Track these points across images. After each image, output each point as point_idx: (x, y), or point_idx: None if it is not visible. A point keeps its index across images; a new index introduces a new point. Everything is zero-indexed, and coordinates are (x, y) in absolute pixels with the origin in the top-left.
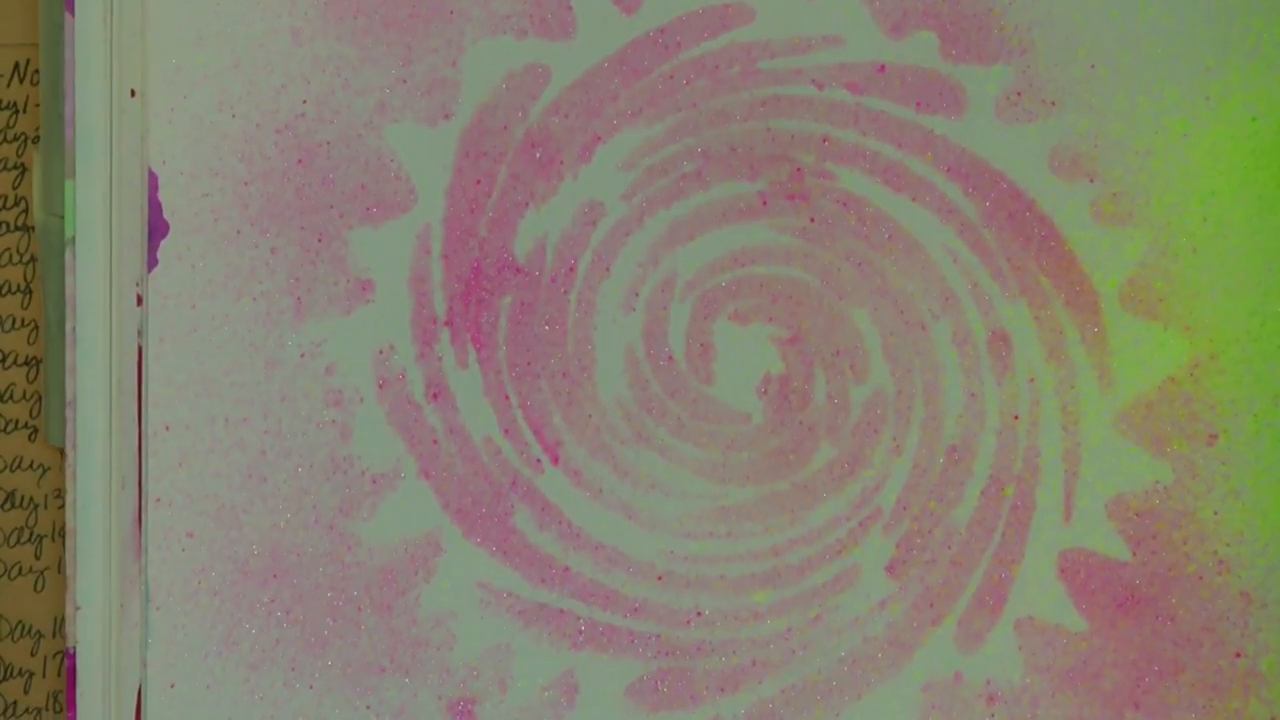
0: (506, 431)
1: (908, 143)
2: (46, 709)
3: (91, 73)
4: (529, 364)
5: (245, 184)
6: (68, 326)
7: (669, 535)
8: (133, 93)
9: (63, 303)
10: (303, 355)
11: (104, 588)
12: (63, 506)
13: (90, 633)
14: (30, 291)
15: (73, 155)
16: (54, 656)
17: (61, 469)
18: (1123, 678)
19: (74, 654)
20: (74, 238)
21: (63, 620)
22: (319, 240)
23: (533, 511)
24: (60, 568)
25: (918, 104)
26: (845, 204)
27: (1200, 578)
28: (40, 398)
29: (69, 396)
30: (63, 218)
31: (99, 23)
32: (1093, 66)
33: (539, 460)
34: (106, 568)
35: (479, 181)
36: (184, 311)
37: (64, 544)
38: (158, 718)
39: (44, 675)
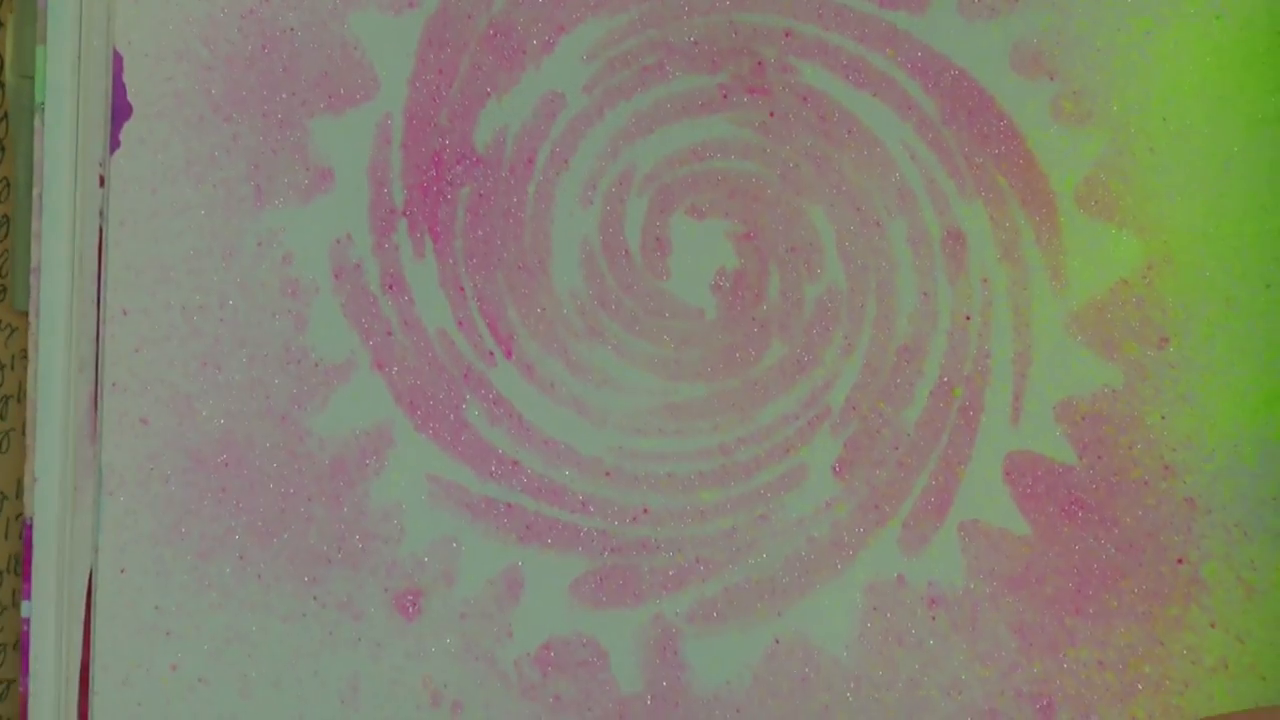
0: (460, 324)
1: (870, 38)
2: (8, 571)
3: None
4: (485, 256)
5: (209, 68)
6: (35, 192)
7: (619, 432)
8: None
9: (31, 163)
10: (260, 244)
11: (61, 462)
12: (28, 374)
13: (48, 507)
14: (4, 148)
15: (44, 21)
16: (16, 519)
17: (27, 332)
18: (1064, 583)
19: (31, 525)
20: (43, 104)
21: (24, 486)
22: (280, 128)
23: (484, 405)
24: (24, 431)
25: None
26: (805, 98)
27: (1145, 483)
28: (9, 256)
29: (34, 263)
30: (33, 79)
31: None
32: None
33: (492, 354)
34: (65, 443)
35: (441, 71)
36: (144, 196)
37: (25, 408)
38: (108, 603)
39: (5, 538)
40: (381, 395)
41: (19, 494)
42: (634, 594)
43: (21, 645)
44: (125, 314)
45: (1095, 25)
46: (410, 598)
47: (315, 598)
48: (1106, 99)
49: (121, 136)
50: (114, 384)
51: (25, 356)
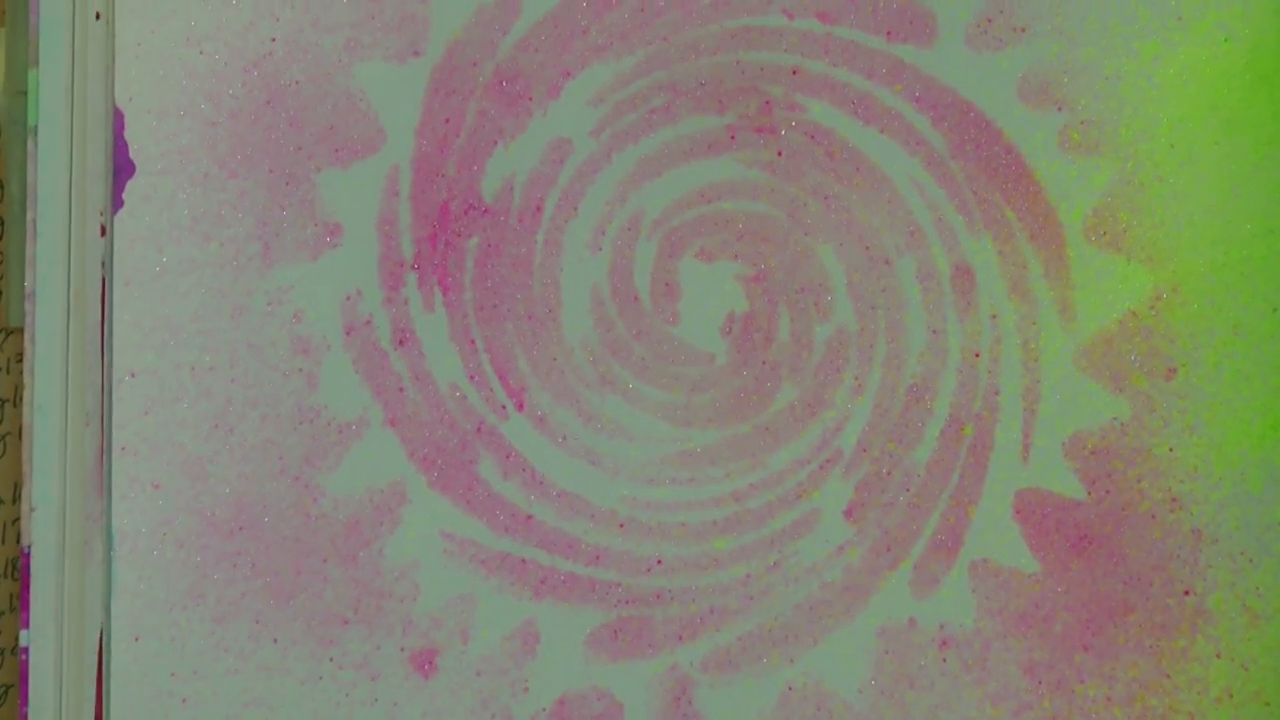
0: (472, 377)
1: (877, 73)
2: (3, 576)
3: None
4: (495, 306)
5: (213, 124)
6: (28, 217)
7: (631, 482)
8: (98, 15)
9: (24, 177)
10: (270, 302)
11: (60, 494)
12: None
13: (46, 535)
14: None
15: (36, 43)
16: (13, 524)
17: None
18: (1073, 620)
19: (29, 555)
20: (36, 127)
21: (19, 486)
22: (287, 183)
23: (497, 459)
24: (19, 433)
25: (888, 33)
26: (813, 136)
27: (1153, 516)
28: (2, 260)
29: (29, 288)
30: (25, 94)
31: None
32: None
33: (504, 406)
34: (63, 468)
35: (448, 120)
36: (150, 255)
37: (21, 412)
38: (122, 671)
39: (2, 541)
40: (395, 452)
41: (15, 499)
42: (649, 645)
43: (21, 676)
44: (133, 376)
45: (1103, 53)
46: (426, 656)
47: (332, 659)
48: (1115, 128)
49: (125, 195)
50: (123, 448)
51: (20, 361)
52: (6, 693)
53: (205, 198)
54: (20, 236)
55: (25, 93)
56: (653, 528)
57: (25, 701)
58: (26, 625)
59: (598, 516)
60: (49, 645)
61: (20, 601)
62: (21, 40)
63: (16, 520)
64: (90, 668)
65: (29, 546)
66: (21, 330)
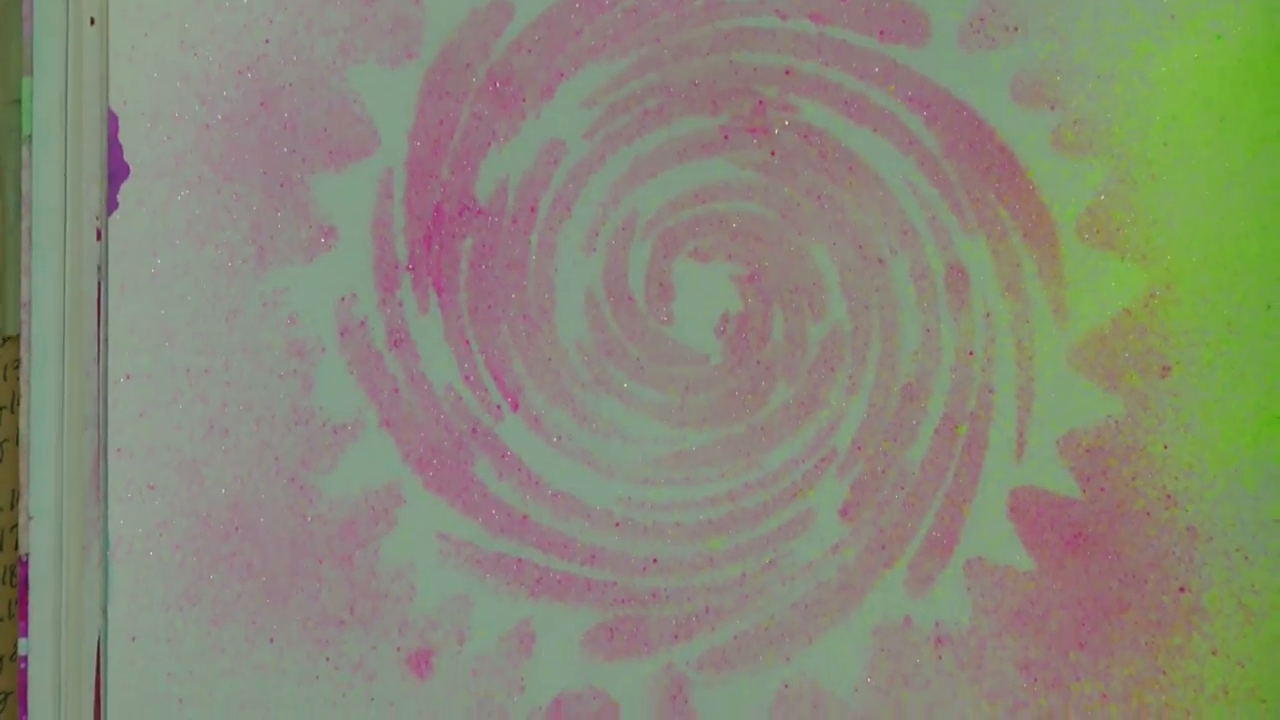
0: (467, 379)
1: (870, 73)
2: (1, 582)
3: None
4: (490, 308)
5: (207, 127)
6: (23, 225)
7: (627, 482)
8: (92, 21)
9: (19, 185)
10: (265, 305)
11: (56, 499)
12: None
13: (43, 544)
14: None
15: (29, 52)
16: (10, 530)
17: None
18: (1068, 618)
19: (26, 564)
20: (30, 136)
21: (17, 492)
22: (281, 186)
23: (492, 460)
24: (16, 439)
25: (881, 33)
26: (806, 137)
27: (1148, 513)
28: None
29: (24, 297)
30: (19, 103)
31: None
32: None
33: (499, 407)
34: (60, 477)
35: (441, 122)
36: (145, 258)
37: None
38: (119, 672)
39: (0, 548)
40: (390, 454)
41: (13, 504)
42: (644, 644)
43: (20, 685)
44: (128, 379)
45: (1096, 52)
46: (422, 657)
47: (328, 659)
48: (1107, 127)
49: (119, 197)
50: (119, 449)
51: (16, 368)
52: (6, 700)
53: (200, 201)
54: (15, 245)
55: (19, 101)
56: (648, 528)
57: (25, 710)
58: (25, 634)
59: (593, 517)
60: (47, 653)
61: (19, 610)
62: (15, 49)
63: (14, 527)
64: (89, 673)
65: (27, 555)
66: (17, 338)
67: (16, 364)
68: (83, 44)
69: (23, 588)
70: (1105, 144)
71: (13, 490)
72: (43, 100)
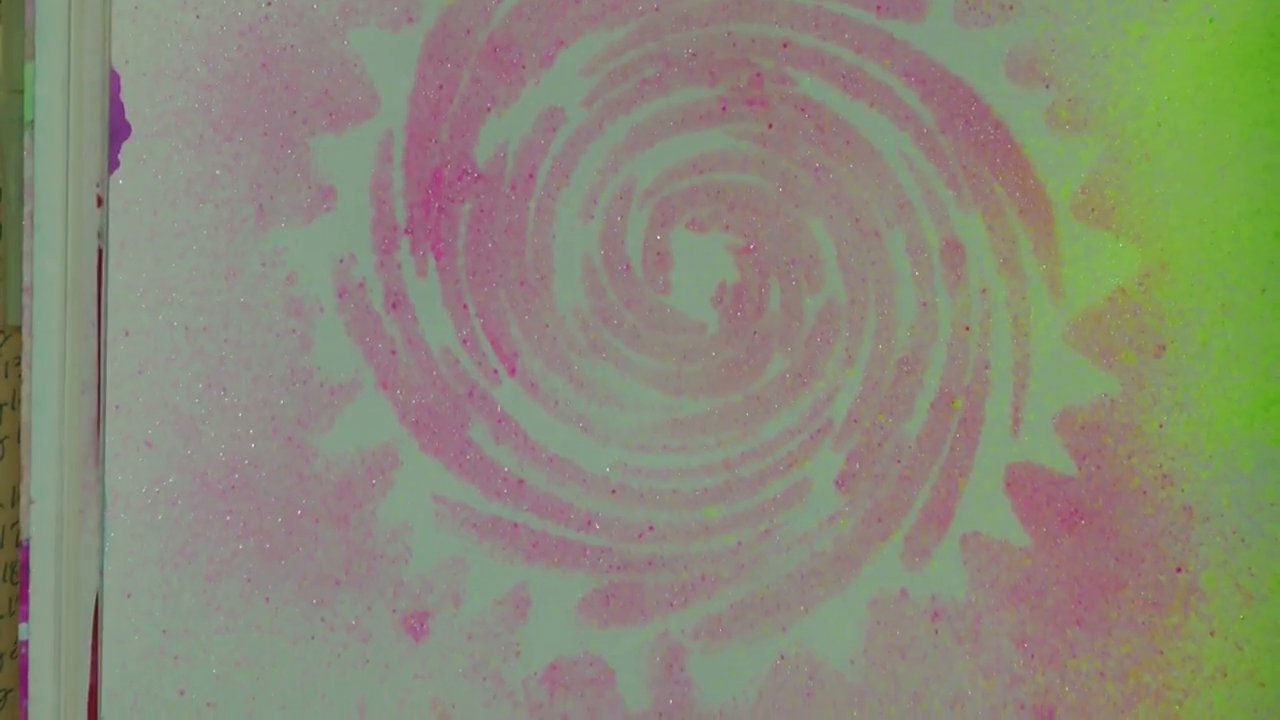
0: (464, 342)
1: (867, 47)
2: (3, 580)
3: None
4: (488, 272)
5: (208, 87)
6: (26, 210)
7: (623, 448)
8: None
9: (21, 175)
10: (264, 264)
11: (58, 483)
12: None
13: (45, 529)
14: None
15: (33, 37)
16: (11, 527)
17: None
18: (1065, 594)
19: (28, 547)
20: (33, 122)
21: (18, 490)
22: (281, 147)
23: (489, 424)
24: (18, 437)
25: (878, 8)
26: (804, 109)
27: (1144, 492)
28: (1, 266)
29: (26, 282)
30: (21, 92)
31: None
32: None
33: (496, 371)
34: (60, 463)
35: (441, 87)
36: (145, 216)
37: (20, 415)
38: (114, 628)
39: (1, 545)
40: (387, 415)
41: (14, 502)
42: (640, 612)
43: (20, 670)
44: (127, 335)
45: (1090, 32)
46: (418, 619)
47: (323, 619)
48: (1102, 106)
49: (120, 156)
50: (117, 406)
51: (18, 364)
52: (6, 697)
53: (200, 160)
54: (17, 237)
55: (21, 91)
56: (644, 494)
57: (25, 693)
58: (26, 619)
59: (589, 482)
60: (47, 639)
61: (21, 594)
62: (17, 38)
63: (15, 524)
64: (86, 634)
65: (28, 539)
66: (19, 328)
67: (18, 360)
68: (85, 4)
69: (24, 571)
70: (1100, 123)
71: (13, 487)
72: (45, 78)
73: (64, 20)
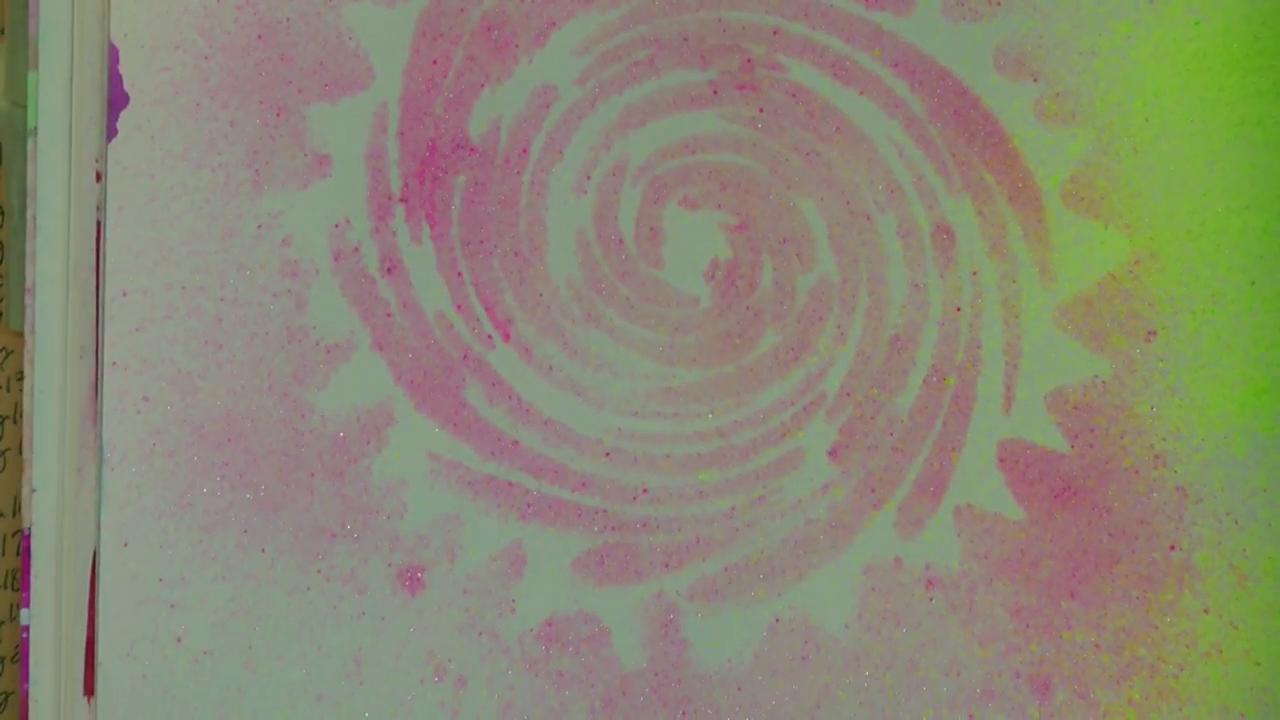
0: (459, 307)
1: (856, 37)
2: (3, 587)
3: None
4: (481, 242)
5: (205, 58)
6: (28, 214)
7: (616, 414)
8: None
9: (24, 191)
10: (260, 226)
11: (59, 465)
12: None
13: (46, 510)
14: None
15: (36, 47)
16: (12, 536)
17: (23, 353)
18: (1059, 567)
19: (29, 535)
20: (36, 128)
21: (21, 502)
22: (277, 115)
23: (483, 386)
24: (20, 449)
25: (866, 1)
26: (794, 95)
27: (1136, 471)
28: (4, 280)
29: (28, 283)
30: (25, 107)
31: None
32: None
33: (490, 336)
34: (62, 445)
35: (435, 62)
36: (143, 181)
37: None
38: (111, 577)
39: (1, 554)
40: (382, 375)
41: (15, 511)
42: (635, 571)
43: (21, 653)
44: (125, 295)
45: (1076, 29)
46: (413, 573)
47: (319, 571)
48: (1090, 100)
49: (119, 125)
50: (114, 363)
51: (21, 378)
52: (6, 700)
53: (197, 126)
54: (19, 243)
55: (25, 106)
56: (638, 458)
57: (25, 677)
58: (27, 604)
59: (583, 445)
60: (49, 623)
61: (22, 581)
62: (21, 51)
63: (17, 533)
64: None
65: (29, 529)
66: (20, 333)
67: (20, 375)
68: (86, 13)
69: (25, 559)
70: (1088, 116)
71: (14, 497)
72: (47, 85)
73: (67, 32)
